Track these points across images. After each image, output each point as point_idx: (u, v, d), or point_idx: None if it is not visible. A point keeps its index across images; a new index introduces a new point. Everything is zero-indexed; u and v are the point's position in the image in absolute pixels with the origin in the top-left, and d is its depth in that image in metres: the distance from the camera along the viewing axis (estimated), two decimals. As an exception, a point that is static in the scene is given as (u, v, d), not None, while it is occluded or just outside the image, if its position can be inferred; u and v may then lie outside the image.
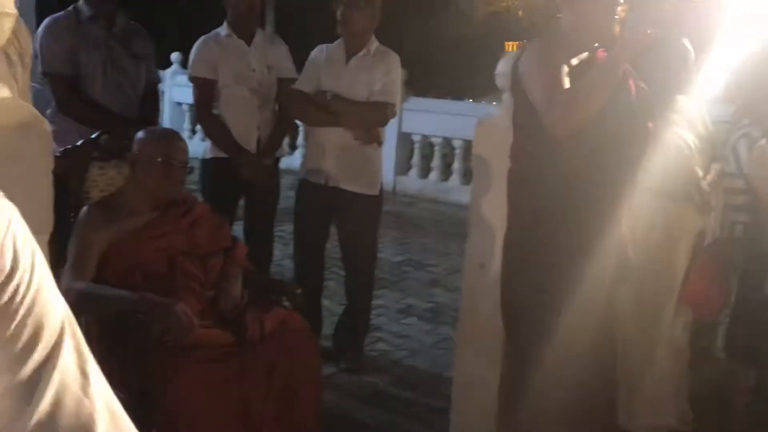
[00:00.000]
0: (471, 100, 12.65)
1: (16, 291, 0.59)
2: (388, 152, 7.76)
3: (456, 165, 7.87)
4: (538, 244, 2.16)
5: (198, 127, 7.81)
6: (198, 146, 4.32)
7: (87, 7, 3.27)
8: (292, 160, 4.25)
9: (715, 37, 2.79)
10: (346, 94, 3.32)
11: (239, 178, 3.44)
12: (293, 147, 8.31)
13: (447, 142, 7.93)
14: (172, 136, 2.48)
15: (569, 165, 2.07)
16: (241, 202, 3.68)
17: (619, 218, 2.21)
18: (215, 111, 3.53)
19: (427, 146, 8.26)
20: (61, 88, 3.21)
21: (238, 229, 3.49)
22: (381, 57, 3.38)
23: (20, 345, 0.59)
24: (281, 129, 3.66)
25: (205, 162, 3.58)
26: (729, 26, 2.86)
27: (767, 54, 2.78)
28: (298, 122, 5.32)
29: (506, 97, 2.58)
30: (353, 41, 3.36)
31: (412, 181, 8.18)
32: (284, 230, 4.53)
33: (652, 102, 2.20)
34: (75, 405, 0.60)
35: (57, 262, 2.03)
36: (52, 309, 0.62)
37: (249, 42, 3.54)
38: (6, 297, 0.58)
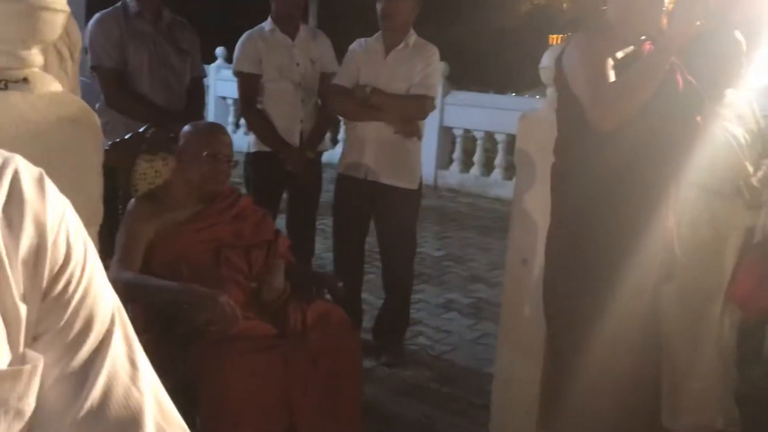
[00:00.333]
0: (514, 94, 12.55)
1: (69, 282, 0.60)
2: (430, 146, 7.75)
3: (498, 159, 7.81)
4: (581, 241, 2.14)
5: (242, 121, 7.89)
6: (242, 140, 4.38)
7: (134, 3, 3.33)
8: (333, 154, 4.27)
9: (768, 29, 2.72)
10: (386, 88, 3.33)
11: (282, 171, 3.47)
12: (335, 141, 8.35)
13: (489, 136, 7.88)
14: (218, 130, 2.52)
15: (614, 160, 2.04)
16: (284, 196, 3.72)
17: (665, 215, 2.17)
18: (259, 105, 3.56)
19: (469, 140, 8.22)
20: (109, 82, 3.28)
21: (280, 222, 3.52)
22: (420, 50, 3.37)
23: (73, 334, 0.60)
24: (324, 123, 3.69)
25: (248, 156, 3.63)
26: (782, 17, 2.77)
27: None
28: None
29: (550, 91, 2.55)
30: (392, 35, 3.36)
31: (453, 176, 8.15)
32: (326, 224, 4.56)
33: (700, 96, 2.15)
34: (124, 394, 0.61)
35: (106, 253, 2.08)
36: (103, 300, 0.63)
37: (293, 37, 3.57)
38: (59, 288, 0.60)
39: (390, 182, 3.38)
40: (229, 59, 9.39)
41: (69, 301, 0.60)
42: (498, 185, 7.74)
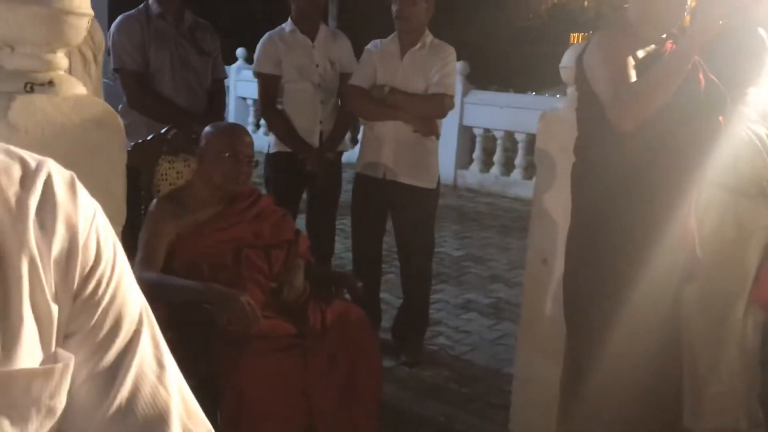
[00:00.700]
0: (534, 93, 12.49)
1: (99, 283, 0.62)
2: (449, 146, 7.74)
3: (518, 159, 7.78)
4: (601, 242, 2.13)
5: (262, 121, 7.94)
6: (262, 140, 4.41)
7: (156, 5, 3.37)
8: (353, 154, 4.29)
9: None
10: (403, 89, 3.33)
11: (302, 172, 3.49)
12: (355, 141, 8.37)
13: (509, 135, 7.85)
14: (239, 131, 2.53)
15: (634, 159, 2.03)
16: (304, 196, 3.73)
17: (686, 215, 2.15)
18: (279, 106, 3.58)
19: (489, 140, 8.19)
20: (132, 84, 3.32)
21: (300, 222, 3.54)
22: (436, 50, 3.38)
23: (102, 334, 0.62)
24: (344, 124, 3.70)
25: (269, 156, 3.65)
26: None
27: None
28: (359, 116, 5.35)
29: (571, 90, 2.54)
30: (408, 36, 3.37)
31: (473, 175, 8.13)
32: (345, 223, 4.57)
33: (722, 95, 2.13)
34: (151, 393, 0.63)
35: (128, 253, 2.10)
36: (132, 300, 0.65)
37: (313, 38, 3.58)
38: (90, 288, 0.61)
39: (408, 181, 3.38)
40: (249, 60, 9.44)
41: (99, 302, 0.61)
42: (518, 185, 7.71)
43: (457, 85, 5.02)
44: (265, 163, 3.61)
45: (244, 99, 9.79)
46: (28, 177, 0.59)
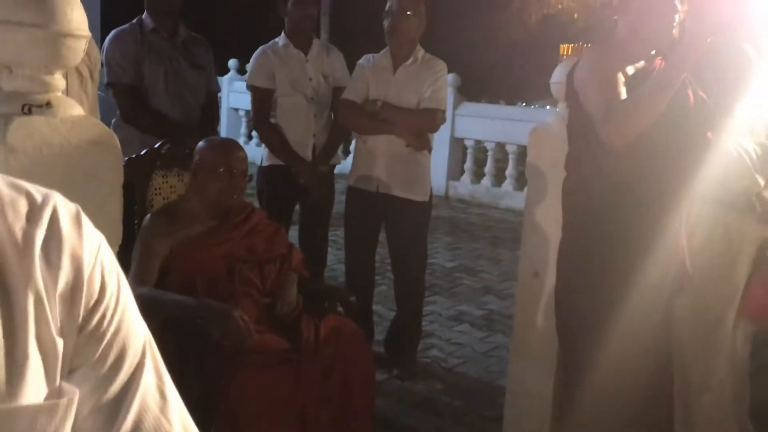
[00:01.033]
0: (524, 104, 12.54)
1: (103, 316, 0.62)
2: (441, 157, 7.78)
3: (509, 170, 7.82)
4: (592, 256, 2.15)
5: (254, 132, 7.94)
6: (254, 151, 4.42)
7: (150, 20, 3.38)
8: (345, 165, 4.30)
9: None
10: (396, 103, 3.36)
11: (295, 185, 3.50)
12: (347, 153, 8.39)
13: (500, 146, 7.90)
14: (233, 145, 2.54)
15: (625, 174, 2.06)
16: (297, 208, 3.74)
17: (677, 229, 2.17)
18: (272, 120, 3.60)
19: (480, 151, 8.23)
20: (125, 99, 3.33)
21: (293, 234, 3.55)
22: (427, 65, 3.41)
23: (107, 367, 0.62)
24: (337, 137, 3.72)
25: (261, 169, 3.66)
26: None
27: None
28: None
29: (561, 105, 2.57)
30: (400, 51, 3.40)
31: (464, 187, 8.17)
32: (338, 235, 4.58)
33: (711, 111, 2.16)
34: (154, 425, 0.63)
35: (122, 268, 2.10)
36: (135, 331, 0.65)
37: (306, 51, 3.61)
38: (95, 322, 0.61)
39: (402, 195, 3.40)
40: (241, 71, 9.47)
41: (104, 335, 0.62)
42: (509, 196, 7.75)
43: (448, 98, 5.05)
44: (258, 176, 3.62)
45: (236, 110, 9.81)
46: (34, 211, 0.60)
